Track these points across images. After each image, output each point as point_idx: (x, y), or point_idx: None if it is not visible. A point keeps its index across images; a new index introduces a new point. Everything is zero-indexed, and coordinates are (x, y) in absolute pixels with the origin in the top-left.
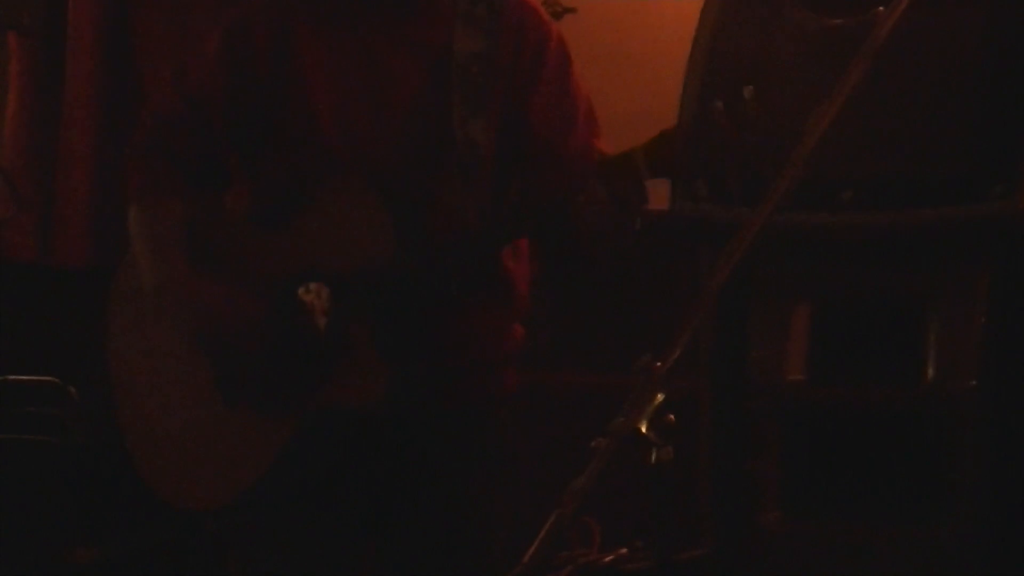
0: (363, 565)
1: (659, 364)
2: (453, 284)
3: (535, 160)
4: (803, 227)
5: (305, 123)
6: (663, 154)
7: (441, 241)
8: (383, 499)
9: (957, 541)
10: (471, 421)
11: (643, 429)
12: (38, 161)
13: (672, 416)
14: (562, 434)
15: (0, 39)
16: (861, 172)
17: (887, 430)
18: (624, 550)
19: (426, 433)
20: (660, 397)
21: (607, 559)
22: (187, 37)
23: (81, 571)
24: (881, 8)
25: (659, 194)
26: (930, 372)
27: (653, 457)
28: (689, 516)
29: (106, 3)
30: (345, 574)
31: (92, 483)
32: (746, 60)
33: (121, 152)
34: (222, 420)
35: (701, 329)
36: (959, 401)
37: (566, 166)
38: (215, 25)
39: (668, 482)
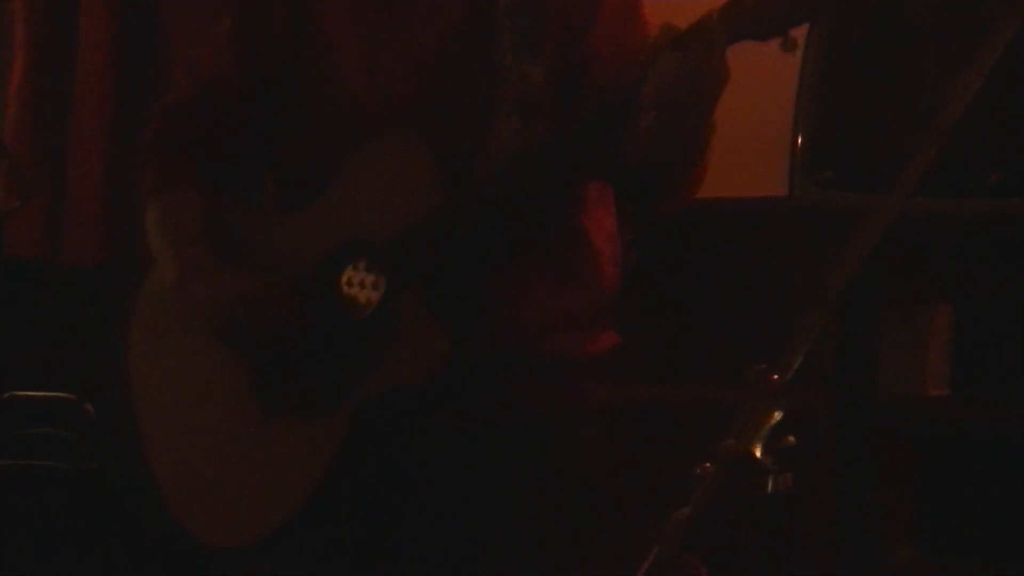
0: None
1: (775, 376)
2: (514, 226)
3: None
4: (943, 216)
5: (332, 85)
6: (743, 11)
7: (494, 179)
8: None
9: None
10: (546, 437)
11: (757, 453)
12: (46, 143)
13: (791, 437)
14: (661, 458)
15: (3, 3)
16: (1010, 152)
17: None
18: None
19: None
20: (777, 415)
21: None
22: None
23: None
24: None
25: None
26: None
27: (769, 485)
28: (810, 553)
29: None
30: None
31: (108, 515)
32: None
33: (140, 133)
34: (263, 436)
35: (824, 335)
36: None
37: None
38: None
39: (787, 515)
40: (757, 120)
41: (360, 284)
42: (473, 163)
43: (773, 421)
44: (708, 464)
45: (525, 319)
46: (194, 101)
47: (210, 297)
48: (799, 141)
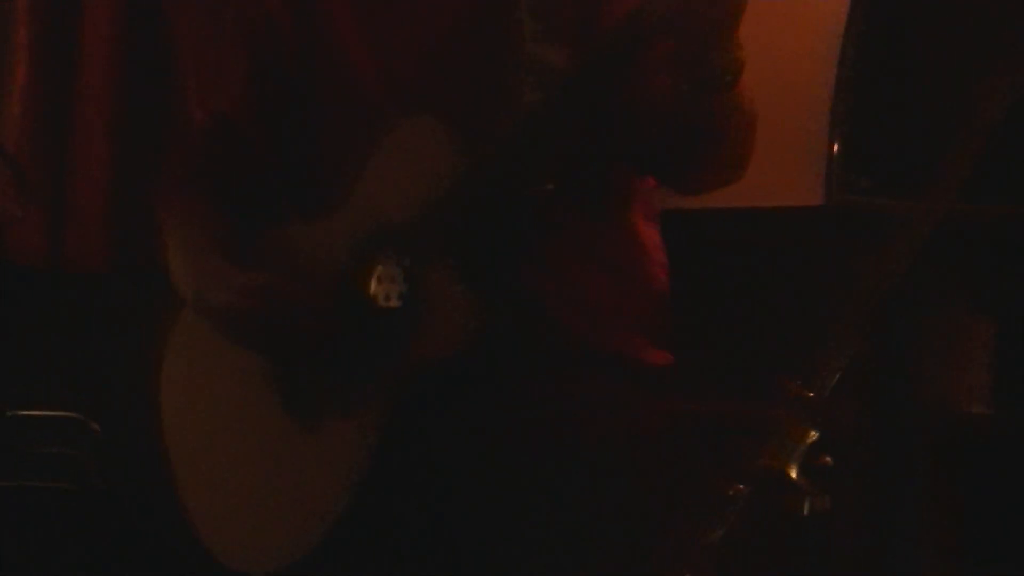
0: None
1: (810, 392)
2: (537, 184)
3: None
4: (985, 225)
5: (342, 81)
6: None
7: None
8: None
9: None
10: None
11: (792, 474)
12: (48, 146)
13: (828, 457)
14: (692, 476)
15: (3, 3)
16: None
17: None
18: None
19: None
20: (813, 434)
21: None
22: None
23: None
24: None
25: (811, 187)
26: None
27: (805, 508)
28: None
29: None
30: None
31: (120, 540)
32: None
33: (148, 133)
34: (298, 447)
35: (861, 349)
36: None
37: None
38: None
39: (824, 538)
40: (791, 126)
41: (392, 279)
42: (491, 148)
43: (809, 440)
44: (741, 486)
45: (570, 310)
46: (216, 137)
47: (230, 297)
48: (835, 147)
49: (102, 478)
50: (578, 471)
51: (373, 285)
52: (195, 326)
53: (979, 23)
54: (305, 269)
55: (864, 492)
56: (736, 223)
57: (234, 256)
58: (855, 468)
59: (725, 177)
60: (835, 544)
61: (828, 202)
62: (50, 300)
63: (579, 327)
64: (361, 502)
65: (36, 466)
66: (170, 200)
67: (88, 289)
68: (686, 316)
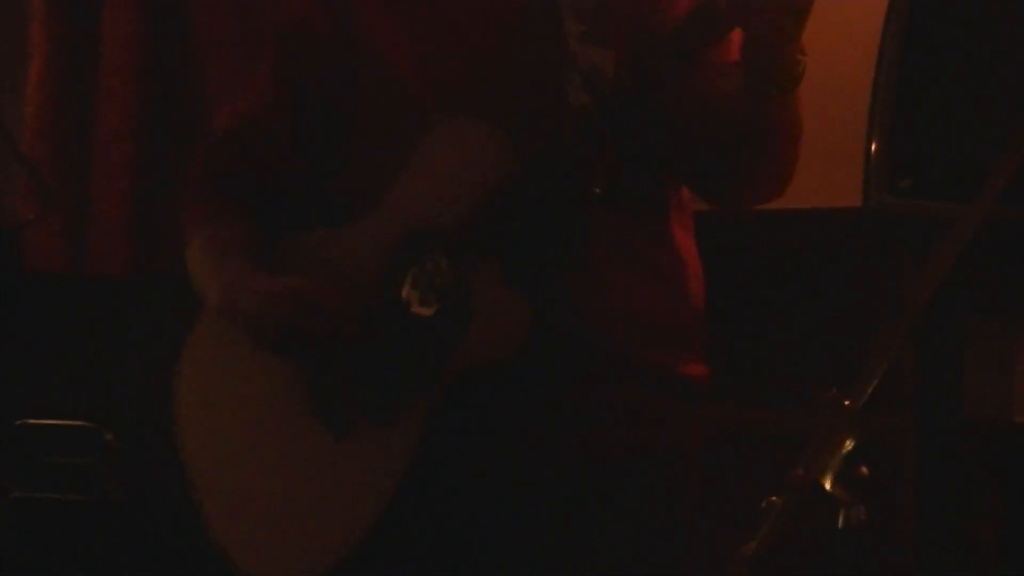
0: None
1: (848, 400)
2: (588, 184)
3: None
4: None
5: (383, 83)
6: None
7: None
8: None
9: None
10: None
11: (827, 484)
12: (69, 147)
13: (865, 468)
14: (724, 487)
15: None
16: None
17: None
18: None
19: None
20: (849, 443)
21: None
22: None
23: None
24: None
25: (848, 188)
26: None
27: (841, 520)
28: None
29: None
30: None
31: (136, 552)
32: None
33: (170, 135)
34: (329, 456)
35: (902, 356)
36: None
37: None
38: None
39: (861, 552)
40: (827, 123)
41: (427, 284)
42: (537, 150)
43: (845, 450)
44: (775, 497)
45: (611, 318)
46: (241, 138)
47: (261, 302)
48: (874, 146)
49: (117, 489)
50: (612, 481)
51: (406, 290)
52: (215, 332)
53: None
54: (338, 273)
55: (902, 504)
56: (770, 225)
57: (264, 261)
58: (893, 479)
59: (770, 191)
60: (871, 558)
61: (866, 203)
62: (65, 306)
63: (620, 336)
64: (393, 514)
65: (50, 476)
66: (193, 203)
67: (104, 296)
68: (720, 322)
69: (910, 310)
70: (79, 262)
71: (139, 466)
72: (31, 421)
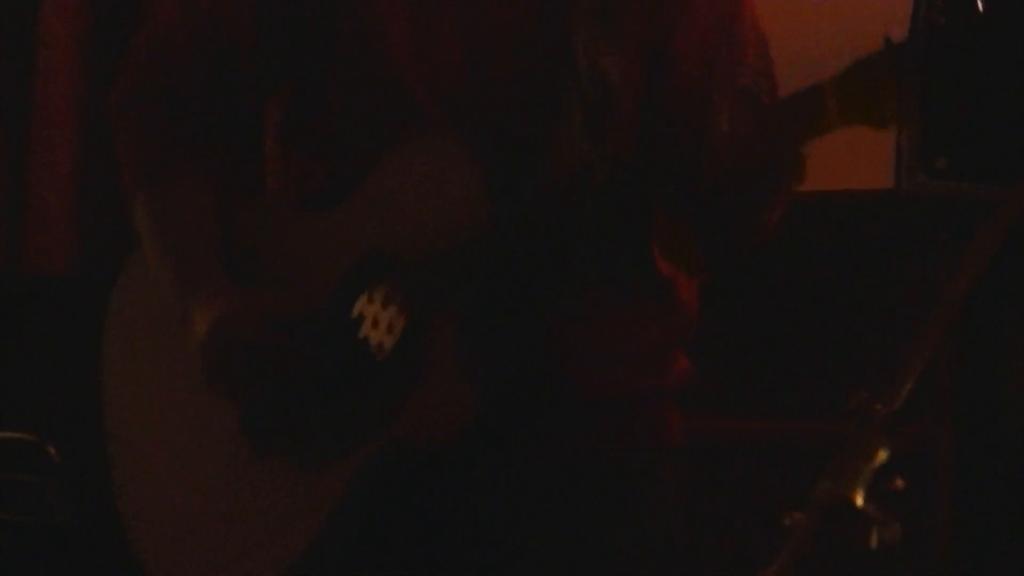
0: None
1: (880, 406)
2: (569, 253)
3: (678, 104)
4: None
5: (376, 67)
6: (861, 91)
7: (551, 193)
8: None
9: None
10: (616, 479)
11: (858, 500)
12: (3, 130)
13: (900, 481)
14: (745, 503)
15: None
16: None
17: None
18: None
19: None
20: (882, 454)
21: None
22: None
23: None
24: None
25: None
26: None
27: (873, 539)
28: None
29: None
30: None
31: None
32: None
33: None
34: (253, 479)
35: (939, 357)
36: None
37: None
38: None
39: (895, 573)
40: None
41: (375, 320)
42: (528, 170)
43: (878, 461)
44: (798, 513)
45: (588, 358)
46: (189, 43)
47: (214, 331)
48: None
49: (62, 510)
50: (617, 507)
51: (358, 323)
52: (134, 326)
53: None
54: (297, 278)
55: (939, 522)
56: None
57: (226, 250)
58: (931, 493)
59: (764, 234)
60: None
61: (899, 185)
62: (5, 308)
63: (595, 373)
64: (322, 545)
65: None
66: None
67: (49, 294)
68: (734, 320)
69: (948, 304)
70: (17, 256)
71: (86, 483)
72: None
